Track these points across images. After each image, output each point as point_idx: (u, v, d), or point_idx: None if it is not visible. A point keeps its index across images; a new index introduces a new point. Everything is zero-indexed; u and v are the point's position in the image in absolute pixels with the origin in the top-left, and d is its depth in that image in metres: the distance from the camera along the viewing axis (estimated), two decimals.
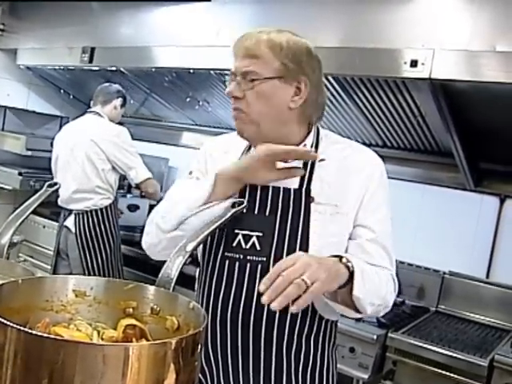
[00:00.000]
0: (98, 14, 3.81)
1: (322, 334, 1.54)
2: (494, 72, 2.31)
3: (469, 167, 3.00)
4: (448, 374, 2.42)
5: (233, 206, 1.31)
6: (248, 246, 1.49)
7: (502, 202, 3.10)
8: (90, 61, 3.72)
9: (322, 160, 1.55)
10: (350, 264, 1.34)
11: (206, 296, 1.54)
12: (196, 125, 4.28)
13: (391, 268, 1.55)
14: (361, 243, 1.52)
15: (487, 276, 3.12)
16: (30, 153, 4.33)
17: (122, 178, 4.80)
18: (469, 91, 2.52)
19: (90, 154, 3.56)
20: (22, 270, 1.25)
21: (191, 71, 3.26)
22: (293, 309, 1.17)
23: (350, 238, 1.54)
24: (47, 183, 1.60)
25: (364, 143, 3.26)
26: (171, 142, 4.61)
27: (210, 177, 1.51)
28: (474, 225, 3.18)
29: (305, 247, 1.47)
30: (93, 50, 3.72)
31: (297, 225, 1.48)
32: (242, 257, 1.49)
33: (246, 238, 1.50)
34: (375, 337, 2.56)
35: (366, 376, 2.55)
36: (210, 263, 1.54)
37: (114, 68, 3.68)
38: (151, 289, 1.07)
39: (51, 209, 4.48)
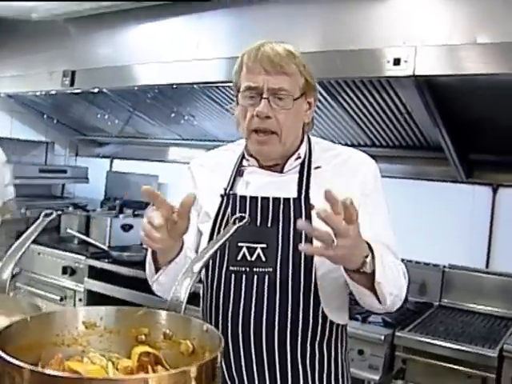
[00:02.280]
0: (76, 37, 3.79)
1: (333, 339, 1.54)
2: (474, 64, 2.33)
3: (459, 159, 3.01)
4: (458, 367, 2.41)
5: (234, 222, 1.30)
6: (253, 258, 1.49)
7: (494, 191, 3.11)
8: (72, 84, 3.70)
9: (317, 167, 1.56)
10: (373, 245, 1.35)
11: (214, 312, 1.53)
12: (183, 139, 4.26)
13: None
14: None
15: (487, 266, 3.12)
16: (17, 181, 4.27)
17: (113, 199, 4.81)
18: (453, 84, 2.53)
19: None
20: (27, 304, 1.23)
21: (174, 86, 3.25)
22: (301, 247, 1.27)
23: None
24: (43, 213, 1.57)
25: (352, 144, 3.28)
26: (159, 158, 4.59)
27: None
28: (468, 216, 3.18)
29: (310, 256, 1.47)
30: (73, 73, 3.69)
31: (300, 233, 1.48)
32: (248, 269, 1.49)
33: (251, 251, 1.50)
34: (383, 337, 2.55)
35: (376, 377, 2.54)
36: (215, 279, 1.53)
37: (96, 90, 3.66)
38: (162, 314, 1.06)
39: (44, 235, 4.48)
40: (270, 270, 1.48)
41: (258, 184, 1.55)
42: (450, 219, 3.22)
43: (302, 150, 1.58)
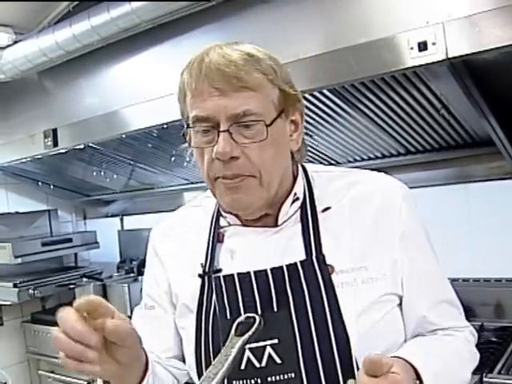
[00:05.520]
0: (53, 91, 3.39)
1: None
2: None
3: None
4: None
5: (237, 329, 0.79)
6: (264, 363, 1.02)
7: None
8: (55, 144, 3.28)
9: (326, 209, 1.08)
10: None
11: None
12: (191, 183, 3.82)
13: (463, 320, 1.14)
14: (421, 314, 1.08)
15: None
16: (19, 260, 3.85)
17: (129, 260, 4.37)
18: (494, 61, 2.03)
19: None
20: None
21: (164, 126, 2.79)
22: None
23: (400, 304, 1.08)
24: None
25: (383, 156, 2.76)
26: (172, 207, 4.09)
27: None
28: None
29: (344, 342, 0.99)
30: (55, 131, 3.27)
31: (322, 314, 1.01)
32: (260, 381, 1.02)
33: (258, 353, 1.02)
34: None
35: None
36: None
37: (81, 146, 3.23)
38: None
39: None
40: (292, 375, 1.00)
41: (246, 251, 1.09)
42: None
43: (299, 187, 1.11)
